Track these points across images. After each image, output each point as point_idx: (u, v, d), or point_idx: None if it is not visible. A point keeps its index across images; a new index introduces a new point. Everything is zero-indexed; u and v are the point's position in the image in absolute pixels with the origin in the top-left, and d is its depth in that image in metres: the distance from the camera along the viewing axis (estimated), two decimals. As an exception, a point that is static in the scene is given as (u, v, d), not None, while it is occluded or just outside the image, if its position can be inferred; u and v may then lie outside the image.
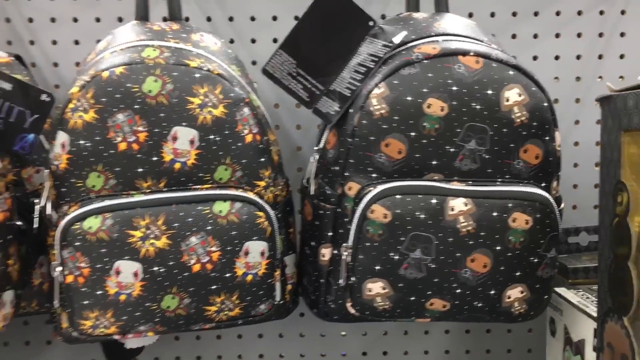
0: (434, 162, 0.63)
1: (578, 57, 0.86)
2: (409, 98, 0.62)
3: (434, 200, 0.62)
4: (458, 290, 0.63)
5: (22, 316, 0.76)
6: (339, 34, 0.66)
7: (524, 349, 0.90)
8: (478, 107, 0.62)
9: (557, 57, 0.86)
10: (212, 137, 0.62)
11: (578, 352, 0.70)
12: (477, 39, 0.66)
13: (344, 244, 0.63)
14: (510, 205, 0.62)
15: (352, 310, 0.65)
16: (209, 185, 0.63)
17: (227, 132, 0.62)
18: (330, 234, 0.65)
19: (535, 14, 0.85)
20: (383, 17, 0.84)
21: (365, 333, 0.90)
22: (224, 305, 0.63)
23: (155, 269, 0.61)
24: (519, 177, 0.64)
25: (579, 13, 0.85)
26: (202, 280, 0.62)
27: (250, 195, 0.63)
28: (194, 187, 0.62)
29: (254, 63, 0.84)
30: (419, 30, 0.66)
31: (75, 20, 0.83)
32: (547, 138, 0.64)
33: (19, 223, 0.66)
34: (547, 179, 0.65)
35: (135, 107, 0.61)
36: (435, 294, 0.63)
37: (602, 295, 0.59)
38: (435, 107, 0.62)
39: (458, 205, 0.62)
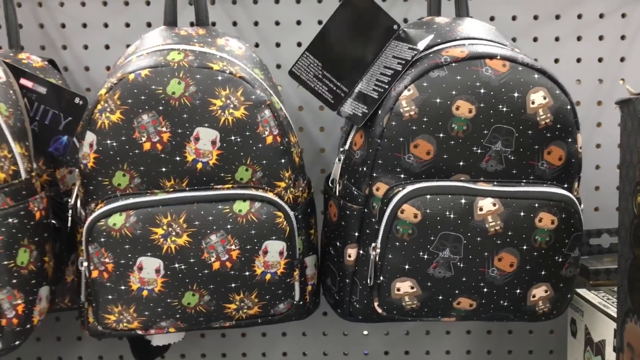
0: (461, 163, 0.64)
1: (600, 60, 0.87)
2: (438, 100, 0.63)
3: (463, 200, 0.63)
4: (485, 289, 0.64)
5: (56, 312, 0.78)
6: (364, 37, 0.68)
7: (545, 350, 0.91)
8: (505, 109, 0.63)
9: (578, 60, 0.86)
10: (233, 138, 0.63)
11: (599, 352, 0.70)
12: (500, 43, 0.67)
13: (372, 244, 0.65)
14: (536, 205, 0.63)
15: (380, 310, 0.66)
16: (230, 185, 0.64)
17: (248, 133, 0.63)
18: (356, 234, 0.66)
19: (557, 17, 0.86)
20: (405, 20, 0.85)
21: (387, 332, 0.91)
22: (243, 303, 0.65)
23: (176, 265, 0.62)
24: (543, 178, 0.65)
25: (601, 16, 0.86)
26: (221, 278, 0.63)
27: (270, 195, 0.64)
28: (216, 186, 0.64)
29: (278, 66, 0.86)
30: (444, 34, 0.68)
31: (106, 25, 0.85)
32: (570, 140, 0.65)
33: (53, 222, 0.68)
34: (569, 180, 0.66)
35: (160, 108, 0.62)
36: (462, 292, 0.64)
37: (621, 296, 0.59)
38: (464, 108, 0.63)
39: (487, 205, 0.63)
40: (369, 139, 0.65)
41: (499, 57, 0.64)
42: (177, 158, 0.63)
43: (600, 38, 0.86)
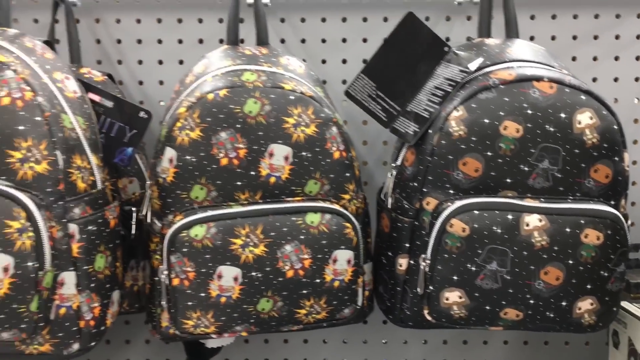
0: (508, 180, 0.67)
1: (636, 79, 0.89)
2: (486, 120, 0.66)
3: (510, 216, 0.66)
4: (531, 301, 0.67)
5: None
6: (416, 58, 0.71)
7: (581, 361, 0.93)
8: (552, 129, 0.66)
9: (616, 79, 0.89)
10: (304, 153, 0.67)
11: (642, 362, 0.73)
12: (548, 65, 0.70)
13: (422, 255, 0.68)
14: (582, 221, 0.66)
15: (429, 318, 0.69)
16: (300, 198, 0.68)
17: (317, 149, 0.68)
18: (407, 245, 0.70)
19: (595, 37, 0.88)
20: (447, 39, 0.88)
21: (425, 342, 0.94)
22: (313, 308, 0.68)
23: (254, 274, 0.66)
24: (589, 195, 0.67)
25: (638, 37, 0.88)
26: (294, 285, 0.67)
27: (339, 207, 0.68)
28: (286, 199, 0.68)
29: (324, 82, 0.89)
30: (493, 56, 0.71)
31: (160, 41, 0.88)
32: (616, 159, 0.67)
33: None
34: (617, 197, 0.68)
35: (237, 126, 0.66)
36: (509, 304, 0.67)
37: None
38: (511, 129, 0.66)
39: (533, 221, 0.66)
40: (419, 156, 0.69)
41: (546, 80, 0.66)
42: (252, 172, 0.67)
43: (637, 58, 0.89)
